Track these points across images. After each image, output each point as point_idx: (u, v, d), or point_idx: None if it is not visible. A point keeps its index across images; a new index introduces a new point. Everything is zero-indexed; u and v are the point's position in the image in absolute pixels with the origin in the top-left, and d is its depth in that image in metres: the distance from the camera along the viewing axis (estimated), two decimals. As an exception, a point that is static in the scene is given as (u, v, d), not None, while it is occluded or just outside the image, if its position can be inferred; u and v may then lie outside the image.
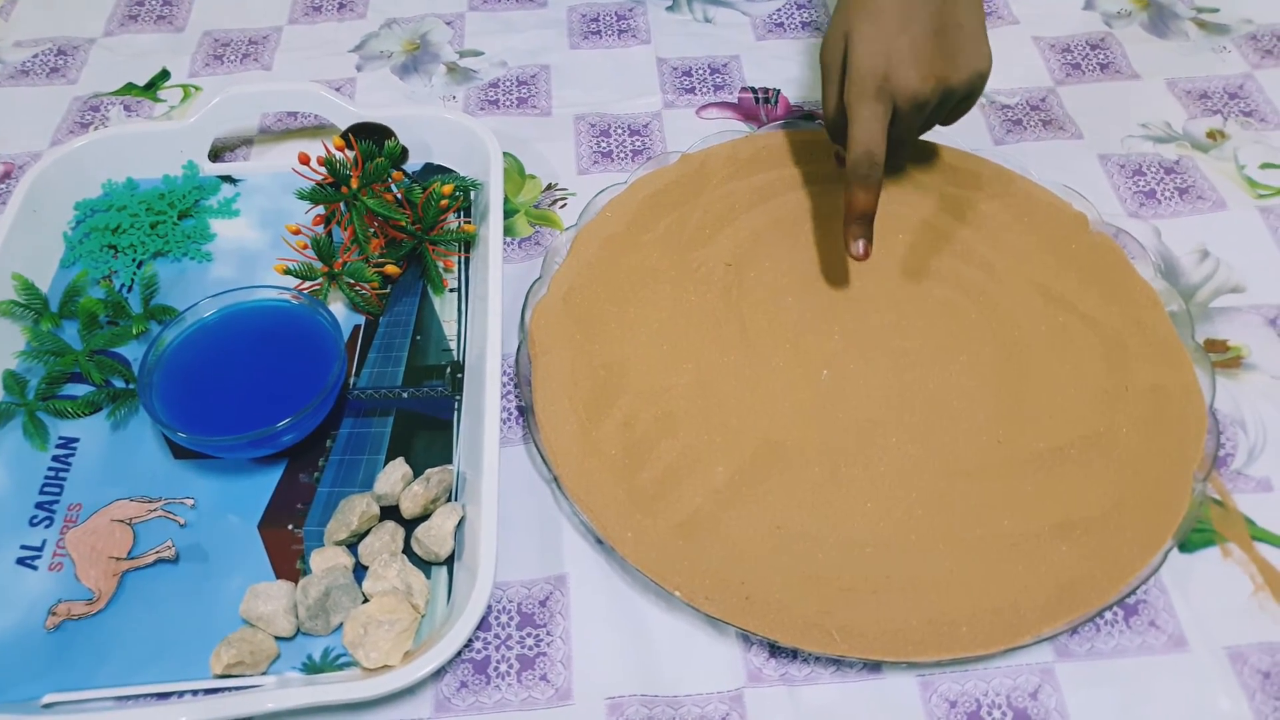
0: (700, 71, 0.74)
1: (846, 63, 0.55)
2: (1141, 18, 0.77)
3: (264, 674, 0.45)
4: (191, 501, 0.50)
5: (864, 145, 0.53)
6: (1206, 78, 0.71)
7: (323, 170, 0.57)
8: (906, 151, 0.61)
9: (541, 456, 0.51)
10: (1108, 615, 0.47)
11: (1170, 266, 0.60)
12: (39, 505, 0.50)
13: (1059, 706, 0.44)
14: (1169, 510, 0.49)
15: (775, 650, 0.46)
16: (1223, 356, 0.56)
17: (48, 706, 0.44)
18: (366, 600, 0.46)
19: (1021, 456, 0.51)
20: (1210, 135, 0.67)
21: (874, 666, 0.45)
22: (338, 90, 0.66)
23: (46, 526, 0.49)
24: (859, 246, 0.56)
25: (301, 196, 0.57)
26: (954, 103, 0.56)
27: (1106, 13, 0.77)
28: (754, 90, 0.72)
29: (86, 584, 0.47)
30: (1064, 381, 0.54)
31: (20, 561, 0.48)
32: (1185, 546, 0.49)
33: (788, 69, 0.73)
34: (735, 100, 0.71)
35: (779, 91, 0.72)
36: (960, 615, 0.45)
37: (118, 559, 0.48)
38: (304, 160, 0.58)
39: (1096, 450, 0.51)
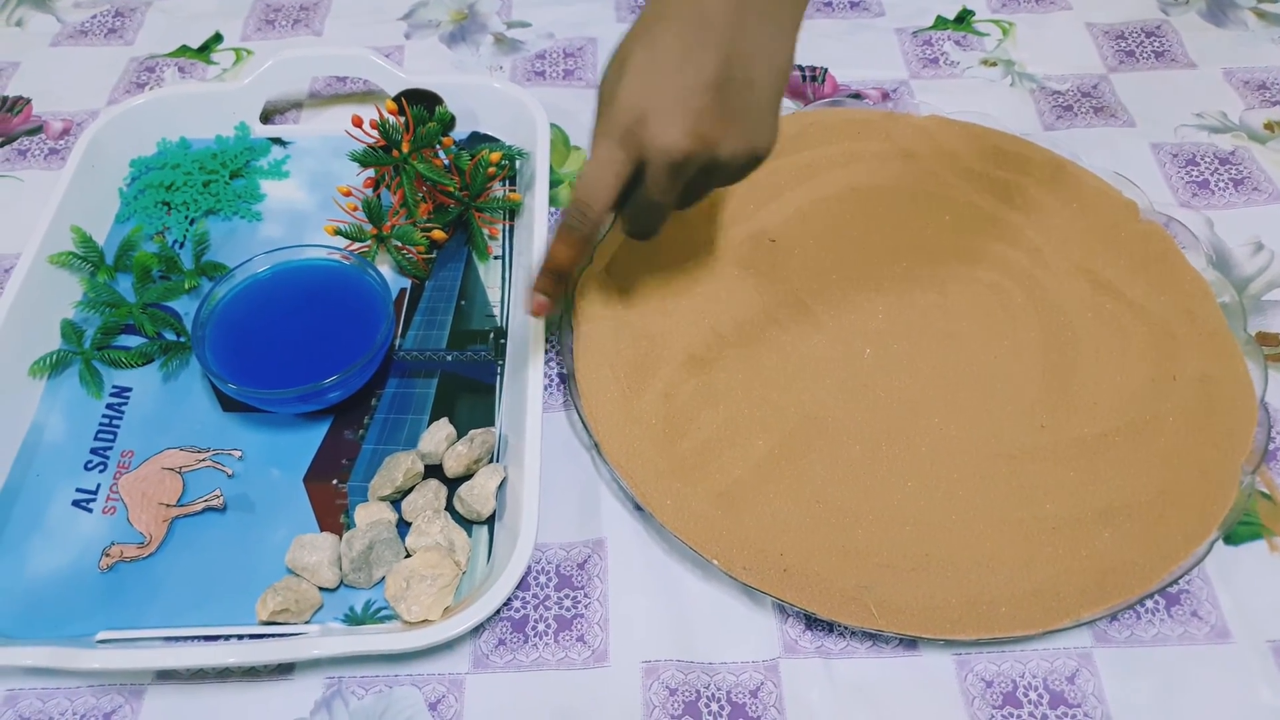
0: (749, 49, 0.73)
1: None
2: (1199, 6, 0.75)
3: (307, 623, 0.46)
4: (239, 453, 0.51)
5: (581, 193, 0.45)
6: (1266, 68, 0.70)
7: (375, 133, 0.58)
8: (656, 218, 0.48)
9: (583, 423, 0.51)
10: (1149, 603, 0.46)
11: (1223, 257, 0.59)
12: (93, 451, 0.51)
13: (1096, 691, 0.44)
14: (1215, 501, 0.48)
15: (811, 622, 0.46)
16: (1276, 350, 0.55)
17: (102, 642, 0.45)
18: (409, 555, 0.47)
19: (1065, 441, 0.50)
20: (1268, 127, 0.66)
21: (910, 643, 0.45)
22: (387, 57, 0.66)
23: (100, 471, 0.50)
24: (533, 301, 0.48)
25: (353, 158, 0.58)
26: (722, 176, 0.46)
27: (1164, 0, 0.76)
28: (801, 68, 0.72)
29: (138, 528, 0.48)
30: (1110, 368, 0.53)
31: (76, 504, 0.49)
32: (1231, 539, 0.48)
33: (835, 48, 0.73)
34: (784, 78, 0.71)
35: (826, 70, 0.71)
36: (999, 596, 0.45)
37: (168, 505, 0.49)
38: (357, 123, 0.58)
39: (1142, 438, 0.50)
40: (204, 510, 0.49)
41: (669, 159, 0.43)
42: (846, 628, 0.45)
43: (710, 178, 0.46)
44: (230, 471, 0.50)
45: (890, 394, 0.52)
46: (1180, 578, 0.46)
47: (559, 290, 0.48)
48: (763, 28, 0.42)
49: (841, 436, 0.51)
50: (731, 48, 0.42)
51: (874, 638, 0.45)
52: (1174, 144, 0.66)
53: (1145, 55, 0.72)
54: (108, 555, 0.47)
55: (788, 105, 0.68)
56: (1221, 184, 0.63)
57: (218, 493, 0.49)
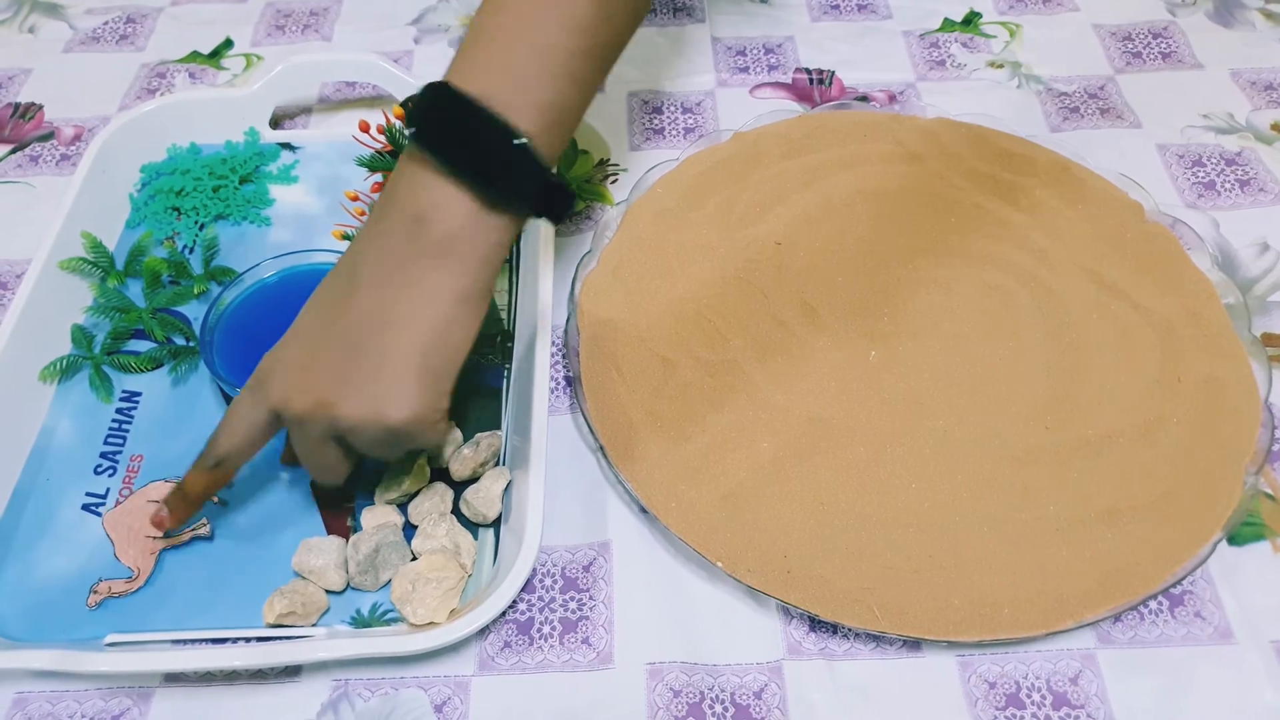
0: (755, 51, 0.74)
1: None
2: (1206, 7, 0.75)
3: (314, 625, 0.46)
4: None
5: (216, 433, 0.44)
6: (1273, 69, 0.70)
7: (382, 138, 0.58)
8: (323, 473, 0.45)
9: (588, 426, 0.51)
10: (1152, 604, 0.46)
11: (1228, 258, 0.59)
12: (103, 455, 0.52)
13: (1099, 693, 0.44)
14: (1219, 502, 0.48)
15: (815, 624, 0.46)
16: (1280, 350, 0.55)
17: (110, 645, 0.45)
18: (415, 558, 0.47)
19: (1069, 443, 0.50)
20: (1275, 128, 0.66)
21: (914, 644, 0.45)
22: (396, 62, 0.67)
23: (110, 475, 0.51)
24: (157, 514, 0.46)
25: (361, 164, 0.58)
26: (366, 442, 0.42)
27: (1170, 1, 0.76)
28: (808, 71, 0.72)
29: (125, 562, 0.48)
30: (1115, 370, 0.53)
31: (85, 508, 0.50)
32: (1234, 539, 0.48)
33: (842, 51, 0.73)
34: (789, 81, 0.71)
35: (833, 73, 0.71)
36: (1002, 597, 0.45)
37: (154, 538, 0.49)
38: (364, 128, 0.58)
39: (1146, 439, 0.50)
40: (191, 540, 0.49)
41: (285, 415, 0.42)
42: (850, 629, 0.46)
43: (362, 443, 0.43)
44: (218, 500, 0.50)
45: (895, 396, 0.52)
46: (1183, 579, 0.46)
47: (187, 512, 0.46)
48: (407, 295, 0.41)
49: (846, 439, 0.51)
50: (365, 313, 0.41)
51: (877, 639, 0.46)
52: (1180, 145, 0.66)
53: (1152, 56, 0.72)
54: (95, 592, 0.47)
55: (794, 109, 0.68)
56: (1228, 185, 0.63)
57: (205, 521, 0.49)
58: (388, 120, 0.58)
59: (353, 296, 0.42)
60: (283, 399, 0.42)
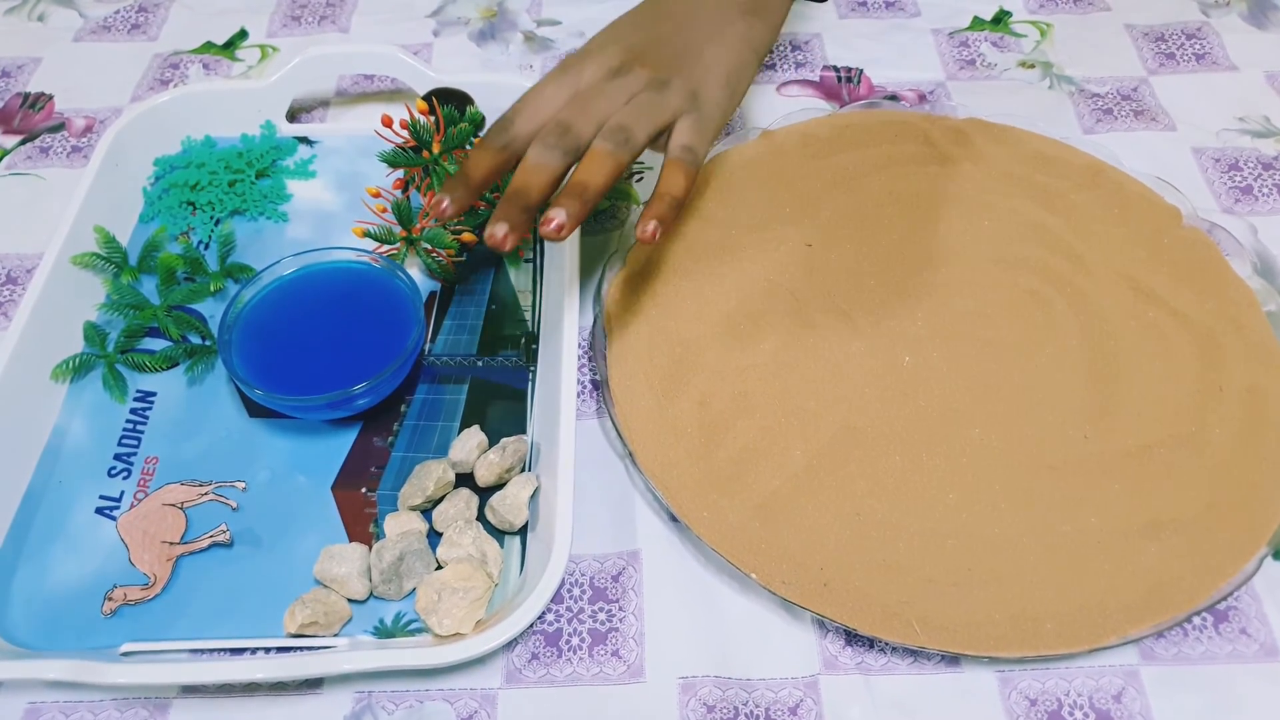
0: (781, 48, 0.72)
1: None
2: (1240, 8, 0.74)
3: (336, 635, 0.45)
4: (243, 485, 0.49)
5: (510, 111, 0.47)
6: (1309, 72, 0.69)
7: (405, 133, 0.57)
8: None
9: (617, 431, 0.50)
10: (1196, 620, 0.45)
11: (1268, 265, 0.58)
12: (117, 457, 0.50)
13: (1143, 711, 0.43)
14: (1264, 516, 0.47)
15: (851, 638, 0.45)
16: (1324, 360, 0.53)
17: (126, 655, 0.44)
18: (440, 567, 0.46)
19: (1109, 453, 0.49)
20: (1312, 132, 0.65)
21: (952, 660, 0.44)
22: (415, 55, 0.65)
23: (124, 478, 0.49)
24: (437, 203, 0.44)
25: (383, 159, 0.57)
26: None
27: (1204, 2, 0.75)
28: (836, 69, 0.70)
29: (141, 569, 0.46)
30: (1154, 378, 0.52)
31: (99, 511, 0.48)
32: (1280, 554, 0.47)
33: (871, 48, 0.72)
34: (817, 79, 0.70)
35: (861, 71, 0.70)
36: (1044, 612, 0.44)
37: (171, 543, 0.47)
38: (386, 123, 0.57)
39: (1188, 450, 0.49)
40: (210, 546, 0.47)
41: (621, 60, 0.49)
42: (887, 643, 0.44)
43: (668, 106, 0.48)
44: (235, 505, 0.49)
45: (930, 402, 0.51)
46: (1229, 595, 0.44)
47: (469, 198, 0.45)
48: (716, 40, 0.50)
49: (881, 446, 0.49)
50: (682, 42, 0.50)
51: (915, 654, 0.44)
52: (1216, 148, 0.64)
53: (1186, 58, 0.71)
54: (110, 599, 0.45)
55: (823, 107, 0.67)
56: (1265, 190, 0.62)
57: (224, 527, 0.48)
58: (410, 115, 0.57)
59: (664, 23, 0.50)
60: (629, 47, 0.48)
